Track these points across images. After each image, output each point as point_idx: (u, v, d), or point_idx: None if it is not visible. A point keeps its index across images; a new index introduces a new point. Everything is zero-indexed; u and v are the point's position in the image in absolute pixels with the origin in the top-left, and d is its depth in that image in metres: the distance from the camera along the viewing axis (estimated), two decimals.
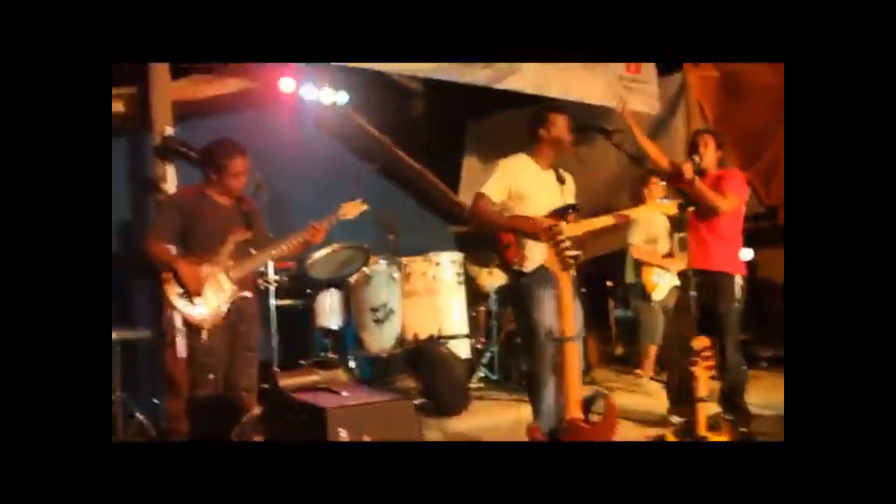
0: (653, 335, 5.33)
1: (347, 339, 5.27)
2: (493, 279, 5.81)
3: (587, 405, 2.66)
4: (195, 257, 3.56)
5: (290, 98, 5.36)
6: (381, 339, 5.21)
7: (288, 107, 5.49)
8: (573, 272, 2.75)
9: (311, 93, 5.48)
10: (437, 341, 5.12)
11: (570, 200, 3.74)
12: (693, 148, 4.16)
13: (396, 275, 5.28)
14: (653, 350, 5.36)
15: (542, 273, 3.61)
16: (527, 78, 5.36)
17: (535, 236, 3.56)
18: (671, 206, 3.98)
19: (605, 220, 3.75)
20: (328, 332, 5.21)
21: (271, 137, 5.28)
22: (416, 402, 4.35)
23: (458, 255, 5.61)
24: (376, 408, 2.84)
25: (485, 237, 6.71)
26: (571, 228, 3.41)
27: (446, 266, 5.52)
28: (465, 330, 5.59)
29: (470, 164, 7.02)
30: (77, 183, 1.93)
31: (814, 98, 2.04)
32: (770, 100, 5.19)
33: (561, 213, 3.72)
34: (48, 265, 1.86)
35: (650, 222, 5.27)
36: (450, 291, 5.51)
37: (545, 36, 3.14)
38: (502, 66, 5.27)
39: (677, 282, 5.10)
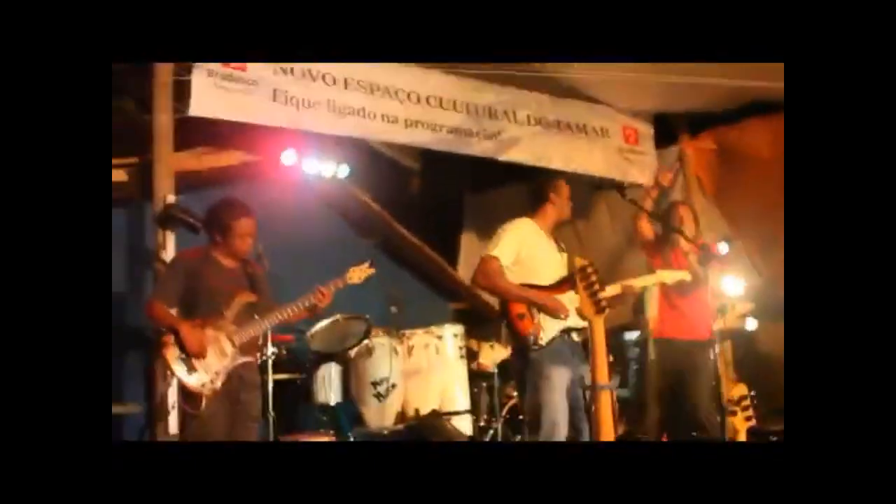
0: None
1: (342, 416, 5.11)
2: (494, 354, 5.71)
3: None
4: (198, 320, 3.48)
5: (293, 171, 5.39)
6: (381, 415, 5.04)
7: (290, 180, 5.51)
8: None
9: (314, 166, 5.51)
10: (440, 417, 4.97)
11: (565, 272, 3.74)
12: (676, 219, 4.36)
13: (399, 348, 5.17)
14: None
15: (558, 347, 3.58)
16: (528, 149, 5.46)
17: (552, 311, 3.54)
18: (684, 274, 4.01)
19: (644, 280, 3.89)
20: (326, 408, 5.05)
21: (272, 209, 5.26)
22: None
23: (459, 329, 5.52)
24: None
25: (485, 313, 6.79)
26: (611, 289, 3.46)
27: (448, 339, 5.41)
28: (467, 405, 5.44)
29: (468, 240, 7.02)
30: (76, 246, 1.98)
31: (814, 166, 2.09)
32: (769, 172, 5.28)
33: (571, 283, 3.70)
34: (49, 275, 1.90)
35: None
36: (452, 365, 5.38)
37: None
38: (504, 138, 5.38)
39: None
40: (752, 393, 2.96)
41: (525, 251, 3.67)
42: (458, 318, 6.41)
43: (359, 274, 3.87)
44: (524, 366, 3.60)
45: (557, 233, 3.88)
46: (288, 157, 5.28)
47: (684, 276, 4.04)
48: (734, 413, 2.88)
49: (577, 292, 2.61)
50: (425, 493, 2.11)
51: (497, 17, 3.08)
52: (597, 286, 2.61)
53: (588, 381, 3.50)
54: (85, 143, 2.02)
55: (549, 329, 3.58)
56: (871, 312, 1.96)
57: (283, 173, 5.36)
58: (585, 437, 3.55)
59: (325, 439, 4.22)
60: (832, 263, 2.02)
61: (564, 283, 3.66)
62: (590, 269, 2.59)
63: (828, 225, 2.04)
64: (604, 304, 2.58)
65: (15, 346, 1.85)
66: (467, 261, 6.94)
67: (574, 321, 3.61)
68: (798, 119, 2.16)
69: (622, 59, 3.99)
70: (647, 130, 6.06)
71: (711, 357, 4.15)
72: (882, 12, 2.09)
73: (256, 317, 3.63)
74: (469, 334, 5.71)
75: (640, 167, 5.88)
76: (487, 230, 7.59)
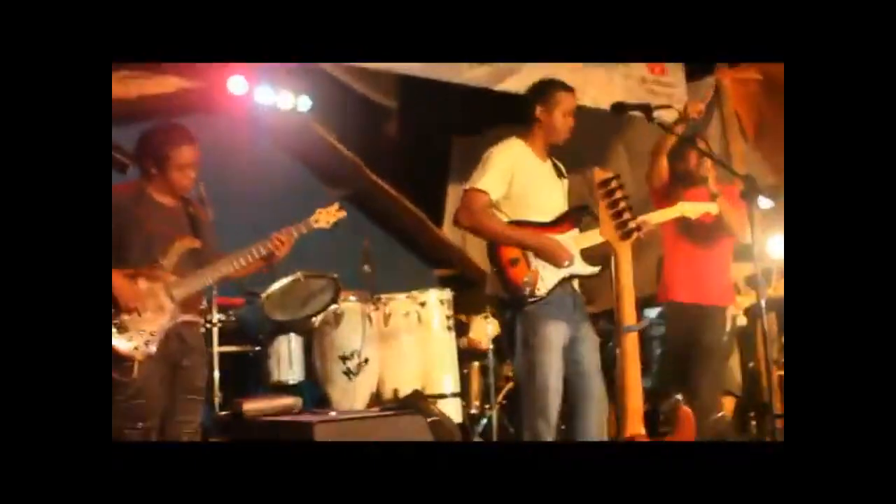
0: None
1: (305, 398, 4.96)
2: (489, 328, 5.60)
3: (651, 418, 2.46)
4: (129, 269, 3.26)
5: (242, 102, 5.27)
6: (352, 396, 4.87)
7: (239, 113, 5.39)
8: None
9: (267, 96, 5.40)
10: (424, 399, 4.81)
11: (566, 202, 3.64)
12: (690, 158, 4.19)
13: (373, 315, 5.00)
14: None
15: (558, 298, 3.43)
16: (530, 78, 5.26)
17: (552, 255, 3.40)
18: (711, 206, 3.92)
19: (662, 215, 3.70)
20: (284, 387, 4.90)
21: (216, 148, 5.09)
22: None
23: (447, 294, 5.39)
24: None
25: (477, 280, 6.66)
26: (654, 216, 3.37)
27: (433, 307, 5.28)
28: (456, 388, 5.30)
29: (456, 193, 6.87)
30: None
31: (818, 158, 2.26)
32: None
33: (574, 219, 3.56)
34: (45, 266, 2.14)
35: None
36: (438, 339, 5.24)
37: (550, 32, 3.34)
38: (500, 64, 5.21)
39: None
40: None
41: (518, 181, 3.49)
42: (444, 285, 6.29)
43: (326, 217, 3.70)
44: (516, 320, 3.46)
45: (558, 155, 3.67)
46: (236, 85, 5.13)
47: (710, 208, 3.90)
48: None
49: (594, 216, 2.47)
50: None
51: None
52: (622, 203, 2.45)
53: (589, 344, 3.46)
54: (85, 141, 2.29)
55: (548, 277, 3.42)
56: (875, 310, 2.11)
57: (231, 104, 5.20)
58: (587, 421, 3.42)
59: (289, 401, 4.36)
60: (834, 260, 2.17)
61: (567, 219, 3.54)
62: (614, 184, 2.44)
63: (829, 221, 2.20)
64: (632, 225, 2.42)
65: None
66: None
67: (579, 266, 3.48)
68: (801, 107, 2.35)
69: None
70: None
71: (727, 329, 4.07)
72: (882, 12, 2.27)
73: (200, 268, 3.42)
74: (458, 306, 5.57)
75: (667, 102, 5.64)
76: None
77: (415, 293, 5.26)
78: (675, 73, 5.86)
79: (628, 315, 2.55)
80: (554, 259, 3.43)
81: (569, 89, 3.63)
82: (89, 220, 2.26)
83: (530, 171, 3.55)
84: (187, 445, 3.28)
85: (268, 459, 2.56)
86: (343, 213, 3.78)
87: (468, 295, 5.84)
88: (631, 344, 2.55)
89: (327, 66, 5.48)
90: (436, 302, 5.27)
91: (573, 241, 3.51)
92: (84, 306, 2.18)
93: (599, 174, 2.57)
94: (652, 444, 3.28)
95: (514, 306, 3.46)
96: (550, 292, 3.43)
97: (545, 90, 3.62)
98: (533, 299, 3.41)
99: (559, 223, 3.57)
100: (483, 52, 4.21)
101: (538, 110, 3.56)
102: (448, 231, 6.71)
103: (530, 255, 3.46)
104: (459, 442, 4.58)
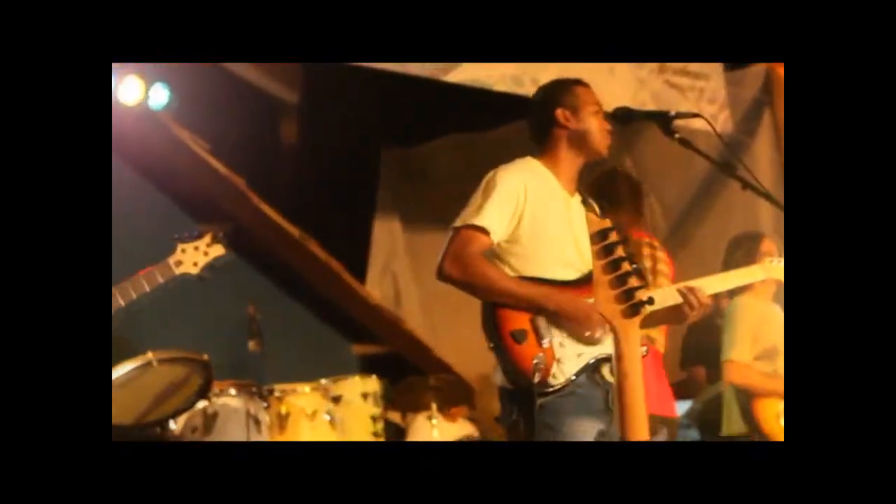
0: None
1: None
2: (434, 434, 5.72)
3: None
4: None
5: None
6: None
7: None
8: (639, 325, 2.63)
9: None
10: None
11: None
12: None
13: (263, 417, 5.10)
14: None
15: (584, 391, 3.55)
16: (491, 66, 5.47)
17: (576, 323, 3.51)
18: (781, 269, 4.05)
19: (740, 276, 3.93)
20: None
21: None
22: None
23: (373, 385, 5.50)
24: None
25: (415, 360, 6.77)
26: (706, 284, 3.52)
27: (353, 403, 5.40)
28: None
29: (385, 231, 7.06)
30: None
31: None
32: None
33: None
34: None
35: (761, 317, 5.23)
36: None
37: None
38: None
39: None
40: None
41: (530, 219, 3.59)
42: (366, 368, 6.39)
43: (193, 256, 3.79)
44: (525, 417, 3.54)
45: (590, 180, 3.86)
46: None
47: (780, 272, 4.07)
48: None
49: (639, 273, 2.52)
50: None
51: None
52: (625, 265, 2.49)
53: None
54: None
55: (567, 359, 3.52)
56: (876, 310, 2.65)
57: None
58: None
59: None
60: (835, 258, 2.68)
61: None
62: (613, 236, 2.46)
63: (829, 220, 2.71)
64: (641, 296, 2.46)
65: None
66: (382, 267, 7.03)
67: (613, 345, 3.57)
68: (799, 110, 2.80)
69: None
70: None
71: None
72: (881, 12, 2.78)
73: None
74: (391, 399, 5.76)
75: (696, 100, 5.94)
76: (422, 212, 7.54)
77: (325, 382, 5.37)
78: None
79: (638, 428, 2.61)
80: (577, 329, 3.51)
81: (585, 85, 3.79)
82: (89, 219, 2.74)
83: (550, 205, 3.66)
84: (187, 445, 3.72)
85: (268, 459, 3.05)
86: (220, 250, 3.86)
87: (406, 384, 5.97)
88: None
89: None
90: (356, 396, 5.40)
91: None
92: (84, 306, 2.66)
93: (593, 222, 2.52)
94: (651, 443, 3.49)
95: (520, 401, 3.52)
96: (571, 381, 3.52)
97: (562, 87, 3.78)
98: (547, 390, 3.50)
99: (587, 282, 3.50)
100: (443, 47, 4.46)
101: (562, 116, 3.69)
102: (375, 287, 6.86)
103: (542, 324, 3.52)
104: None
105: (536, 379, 3.40)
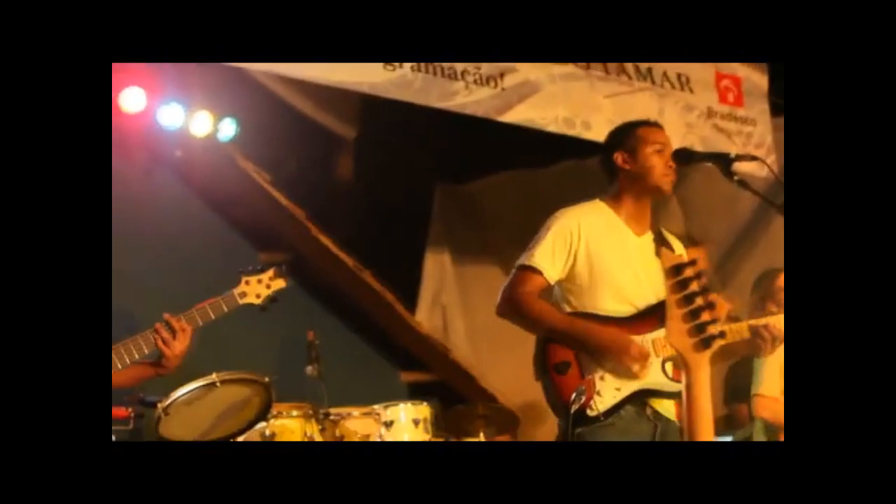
0: None
1: None
2: None
3: None
4: None
5: (138, 123, 5.44)
6: None
7: (131, 138, 5.52)
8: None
9: (175, 117, 5.51)
10: None
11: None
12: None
13: (318, 438, 5.14)
14: None
15: (626, 424, 3.60)
16: (547, 104, 5.49)
17: (617, 356, 3.56)
18: None
19: None
20: None
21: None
22: None
23: (423, 411, 5.51)
24: None
25: (461, 390, 6.76)
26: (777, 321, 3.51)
27: (405, 428, 5.42)
28: None
29: (436, 264, 7.08)
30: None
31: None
32: None
33: (662, 314, 3.69)
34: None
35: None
36: None
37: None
38: (509, 84, 5.40)
39: None
40: None
41: (587, 260, 3.68)
42: (413, 394, 6.44)
43: (257, 288, 3.83)
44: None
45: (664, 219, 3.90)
46: (131, 100, 5.30)
47: None
48: None
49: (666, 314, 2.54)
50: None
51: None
52: (699, 300, 2.51)
53: None
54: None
55: (606, 391, 3.59)
56: (876, 311, 2.61)
57: (121, 126, 5.25)
58: None
59: None
60: (835, 260, 2.66)
61: (654, 315, 3.62)
62: (688, 271, 2.48)
63: (829, 222, 2.69)
64: (713, 330, 2.48)
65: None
66: (434, 298, 7.05)
67: (657, 379, 3.61)
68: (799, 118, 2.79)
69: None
70: (758, 80, 6.15)
71: None
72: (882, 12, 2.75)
73: None
74: (441, 426, 5.74)
75: (741, 144, 5.94)
76: (472, 246, 7.65)
77: (378, 408, 5.37)
78: (753, 103, 6.09)
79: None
80: (618, 362, 3.56)
81: (652, 124, 3.85)
82: (89, 220, 2.64)
83: (608, 243, 3.72)
84: (187, 445, 3.69)
85: (267, 459, 2.91)
86: (282, 283, 3.89)
87: (456, 411, 6.00)
88: None
89: (261, 77, 5.64)
90: (408, 422, 5.39)
91: (656, 344, 3.62)
92: (83, 306, 2.61)
93: (668, 258, 2.55)
94: (650, 443, 3.54)
95: (564, 430, 3.57)
96: (611, 412, 3.57)
97: (623, 131, 3.86)
98: (590, 419, 3.55)
99: (641, 319, 3.66)
100: (471, 51, 4.53)
101: (620, 159, 3.76)
102: (425, 318, 6.90)
103: (585, 358, 3.61)
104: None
105: (574, 409, 3.44)
